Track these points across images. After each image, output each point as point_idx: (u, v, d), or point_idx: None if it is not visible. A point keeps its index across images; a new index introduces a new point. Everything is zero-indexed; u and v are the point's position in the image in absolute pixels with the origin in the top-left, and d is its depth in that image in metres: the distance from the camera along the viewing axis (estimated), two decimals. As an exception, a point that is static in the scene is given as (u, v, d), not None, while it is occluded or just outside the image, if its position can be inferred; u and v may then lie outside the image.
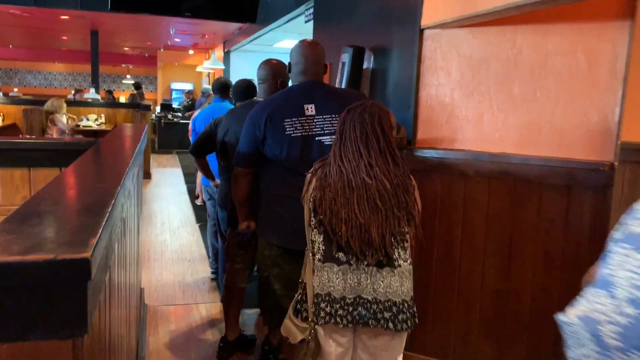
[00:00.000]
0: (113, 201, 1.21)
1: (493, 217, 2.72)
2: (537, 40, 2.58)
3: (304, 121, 2.38)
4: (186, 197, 7.75)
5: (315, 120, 2.39)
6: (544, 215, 2.58)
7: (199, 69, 11.94)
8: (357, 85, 3.47)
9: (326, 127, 2.39)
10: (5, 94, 17.08)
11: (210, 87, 9.97)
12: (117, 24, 9.59)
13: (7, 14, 8.25)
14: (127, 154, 2.22)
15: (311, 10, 5.08)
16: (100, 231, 0.94)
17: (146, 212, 6.85)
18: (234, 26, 8.93)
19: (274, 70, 2.89)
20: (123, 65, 18.99)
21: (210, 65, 10.08)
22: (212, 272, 4.44)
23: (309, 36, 8.73)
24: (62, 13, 8.15)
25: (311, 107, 2.40)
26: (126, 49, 15.14)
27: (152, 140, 11.54)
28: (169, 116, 12.98)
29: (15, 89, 16.93)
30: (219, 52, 11.89)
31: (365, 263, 1.86)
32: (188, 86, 17.64)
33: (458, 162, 2.77)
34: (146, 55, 17.23)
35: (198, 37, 11.00)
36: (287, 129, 2.36)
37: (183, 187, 8.60)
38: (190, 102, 13.84)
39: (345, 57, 3.48)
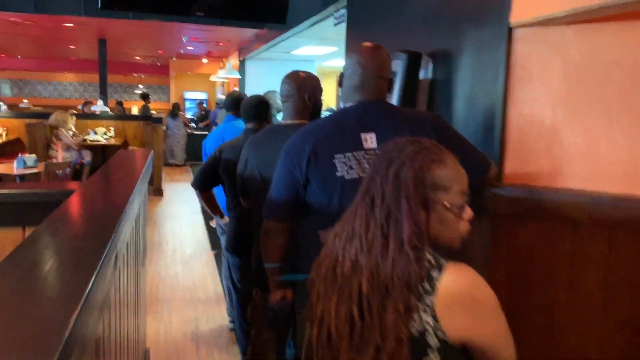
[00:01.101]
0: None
1: (616, 281, 1.99)
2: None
3: (361, 157, 1.70)
4: (200, 218, 7.09)
5: (375, 155, 1.72)
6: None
7: (212, 78, 11.33)
8: (413, 101, 2.77)
9: None
10: (14, 106, 16.69)
11: (224, 97, 9.36)
12: (126, 32, 8.99)
13: (8, 22, 7.68)
14: (115, 211, 1.54)
15: (342, 11, 4.39)
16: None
17: (156, 236, 6.21)
18: (249, 33, 8.29)
19: (298, 82, 2.22)
20: (135, 74, 18.48)
21: (224, 75, 9.45)
22: (230, 322, 3.75)
23: (334, 41, 8.03)
24: (66, 20, 7.56)
25: (371, 138, 1.71)
26: (137, 57, 14.60)
27: (164, 151, 10.92)
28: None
29: (25, 100, 16.49)
30: (233, 61, 11.27)
31: None
32: (202, 96, 17.09)
33: (564, 205, 2.05)
34: (158, 64, 16.69)
35: (212, 45, 10.39)
36: (339, 169, 1.68)
37: (197, 206, 7.94)
38: (204, 113, 13.26)
39: (397, 66, 2.77)
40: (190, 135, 11.93)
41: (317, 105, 2.29)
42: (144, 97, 13.53)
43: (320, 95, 2.31)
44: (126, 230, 1.80)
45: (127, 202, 1.70)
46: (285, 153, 1.79)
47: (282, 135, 2.14)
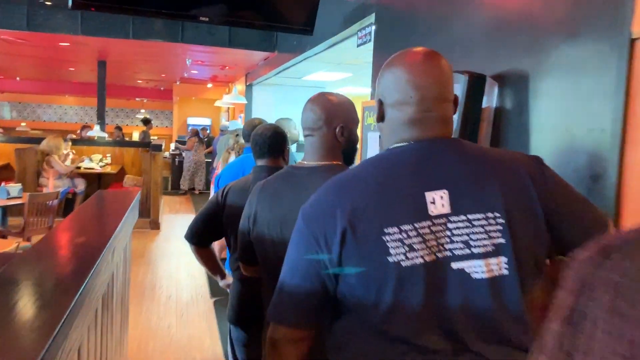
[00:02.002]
0: None
1: None
2: None
3: (427, 231, 1.06)
4: (199, 257, 6.45)
5: (450, 226, 1.07)
6: None
7: (217, 103, 10.79)
8: (474, 135, 2.16)
9: (475, 238, 1.07)
10: (12, 129, 16.20)
11: (229, 123, 8.77)
12: (127, 53, 8.48)
13: (0, 41, 7.17)
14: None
15: (369, 29, 3.83)
16: None
17: (150, 278, 5.55)
18: (258, 56, 7.77)
19: (328, 110, 1.60)
20: (137, 99, 18.02)
21: (230, 100, 8.91)
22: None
23: (350, 66, 7.49)
24: (61, 39, 7.05)
25: (442, 198, 1.08)
26: (140, 81, 14.13)
27: (164, 179, 10.32)
28: (184, 154, 11.82)
29: (23, 124, 16.02)
30: (240, 86, 10.77)
31: None
32: (206, 122, 16.59)
33: None
34: (161, 88, 16.24)
35: (217, 69, 9.87)
36: (392, 251, 1.04)
37: (196, 241, 7.31)
38: (206, 139, 12.72)
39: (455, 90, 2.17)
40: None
41: (352, 141, 1.67)
42: (146, 122, 13.01)
43: (357, 127, 1.70)
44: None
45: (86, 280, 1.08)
46: (305, 220, 1.15)
47: (304, 182, 1.55)
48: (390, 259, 1.03)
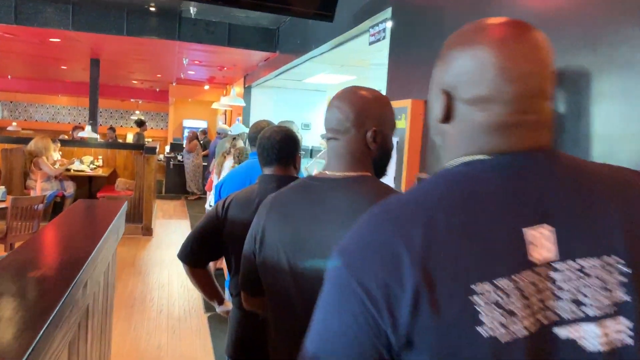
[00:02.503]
0: None
1: None
2: None
3: (528, 283, 0.70)
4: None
5: (555, 276, 0.72)
6: None
7: (215, 105, 10.46)
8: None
9: (589, 293, 0.72)
10: (2, 129, 15.80)
11: (226, 126, 8.43)
12: (121, 51, 8.13)
13: (-13, 35, 6.82)
14: None
15: (383, 26, 3.51)
16: None
17: (140, 289, 5.20)
18: (258, 56, 7.44)
19: (358, 108, 1.28)
20: (132, 100, 17.64)
21: (228, 102, 8.58)
22: None
23: (354, 69, 7.19)
24: (51, 34, 6.70)
25: (545, 236, 0.73)
26: (135, 82, 13.76)
27: (159, 182, 9.96)
28: (179, 157, 11.48)
29: (14, 123, 15.63)
30: (238, 88, 10.44)
31: None
32: (202, 124, 16.27)
33: None
34: (157, 89, 15.88)
35: (215, 70, 9.54)
36: (486, 319, 0.68)
37: (190, 249, 6.97)
38: (201, 142, 12.39)
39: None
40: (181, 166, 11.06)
41: (387, 148, 1.35)
42: (140, 123, 12.64)
43: (393, 131, 1.37)
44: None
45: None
46: (349, 266, 0.76)
47: (326, 198, 1.25)
48: (484, 332, 0.69)
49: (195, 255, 1.98)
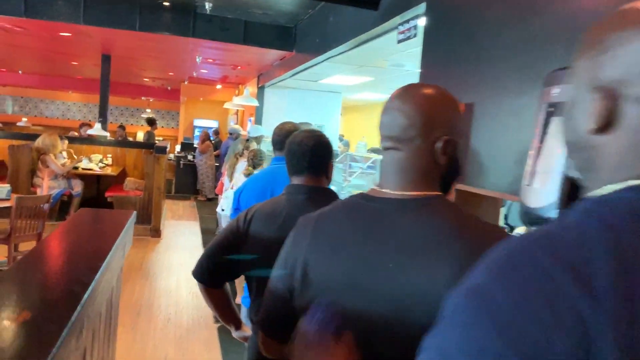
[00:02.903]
0: None
1: None
2: None
3: None
4: (202, 271, 5.89)
5: None
6: None
7: (227, 105, 10.23)
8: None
9: None
10: (12, 124, 15.68)
11: (239, 127, 8.19)
12: (132, 47, 7.92)
13: (-3, 28, 6.64)
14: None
15: (414, 22, 3.26)
16: None
17: (147, 295, 4.98)
18: (273, 56, 7.21)
19: (427, 112, 1.02)
20: (143, 98, 17.48)
21: (241, 102, 8.35)
22: None
23: (374, 70, 6.92)
24: (62, 28, 6.50)
25: None
26: (146, 79, 13.58)
27: (168, 181, 9.72)
28: (190, 157, 11.27)
29: (25, 119, 15.50)
30: (251, 88, 10.21)
31: None
32: (213, 124, 16.07)
33: None
34: (168, 87, 15.70)
35: (228, 69, 9.32)
36: None
37: (199, 250, 6.74)
38: (213, 142, 12.18)
39: (563, 94, 1.58)
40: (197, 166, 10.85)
41: (457, 162, 1.09)
42: (150, 122, 12.46)
43: (463, 141, 1.11)
44: None
45: None
46: (502, 329, 0.50)
47: (391, 224, 0.99)
48: None
49: (211, 274, 1.74)
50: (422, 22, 3.14)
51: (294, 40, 6.52)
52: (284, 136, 2.31)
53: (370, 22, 3.97)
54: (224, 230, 1.78)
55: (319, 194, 1.70)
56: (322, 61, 5.94)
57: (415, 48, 3.48)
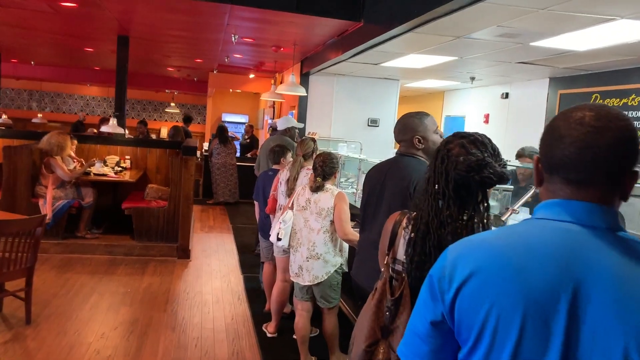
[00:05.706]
0: None
1: None
2: None
3: None
4: (244, 306, 4.45)
5: None
6: None
7: (265, 96, 8.76)
8: None
9: None
10: (27, 120, 14.49)
11: (294, 120, 6.61)
12: (154, 24, 6.44)
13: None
14: None
15: None
16: None
17: (176, 341, 3.54)
18: (329, 29, 5.69)
19: None
20: (167, 90, 16.12)
21: (285, 91, 6.88)
22: None
23: (455, 46, 5.28)
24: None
25: None
26: (170, 69, 12.16)
27: (196, 182, 8.25)
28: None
29: (40, 115, 14.28)
30: (290, 76, 8.73)
31: None
32: (242, 119, 14.67)
33: None
34: (195, 79, 14.28)
35: (268, 52, 7.79)
36: None
37: (237, 277, 5.29)
38: (248, 140, 10.76)
39: None
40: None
41: None
42: (187, 119, 11.04)
43: None
44: None
45: None
46: None
47: None
48: None
49: None
50: None
51: (362, 6, 4.98)
52: None
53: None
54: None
55: None
56: (404, 32, 4.42)
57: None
